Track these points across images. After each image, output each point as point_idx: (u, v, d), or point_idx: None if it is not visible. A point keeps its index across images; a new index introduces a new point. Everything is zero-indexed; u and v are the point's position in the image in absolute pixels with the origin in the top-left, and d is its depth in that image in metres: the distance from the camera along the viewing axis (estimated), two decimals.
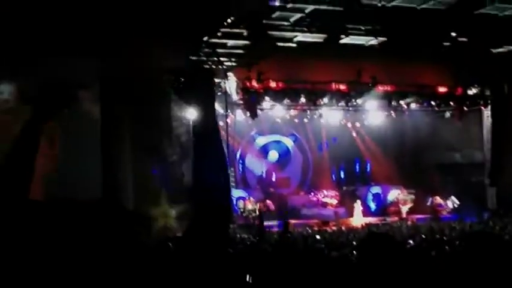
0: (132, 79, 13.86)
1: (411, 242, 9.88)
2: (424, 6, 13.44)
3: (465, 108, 19.11)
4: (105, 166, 14.39)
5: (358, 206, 18.55)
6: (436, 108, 19.64)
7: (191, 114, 17.09)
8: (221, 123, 18.54)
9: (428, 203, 18.59)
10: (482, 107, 19.07)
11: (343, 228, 15.23)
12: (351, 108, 19.78)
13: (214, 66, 16.96)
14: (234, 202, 17.84)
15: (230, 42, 16.06)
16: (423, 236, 11.38)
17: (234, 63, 17.09)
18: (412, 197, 19.06)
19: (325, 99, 18.77)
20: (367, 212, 18.98)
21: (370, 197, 20.15)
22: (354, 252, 9.63)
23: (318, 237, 12.76)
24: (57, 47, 12.69)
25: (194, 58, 16.08)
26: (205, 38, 15.57)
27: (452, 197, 18.25)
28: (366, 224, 16.49)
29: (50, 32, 12.57)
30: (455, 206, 18.19)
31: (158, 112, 15.25)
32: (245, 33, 15.22)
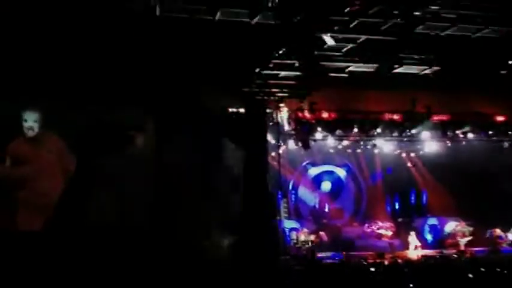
0: (185, 112, 14.07)
1: (470, 275, 9.62)
2: (478, 34, 13.23)
3: None
4: (157, 196, 14.59)
5: (414, 238, 18.20)
6: (494, 138, 19.19)
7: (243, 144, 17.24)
8: (273, 154, 18.60)
9: (488, 235, 18.05)
10: None
11: (399, 260, 14.92)
12: (405, 138, 19.56)
13: (266, 98, 17.09)
14: (287, 233, 17.77)
15: (282, 73, 16.17)
16: (482, 269, 11.03)
17: (286, 94, 17.17)
18: (470, 229, 18.56)
19: (379, 130, 18.66)
20: (423, 244, 18.56)
21: (426, 228, 19.72)
22: (411, 285, 9.46)
23: (372, 269, 12.55)
24: (113, 89, 13.09)
25: (246, 90, 16.25)
26: (257, 70, 15.73)
27: None
28: (423, 256, 16.12)
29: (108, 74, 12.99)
30: None
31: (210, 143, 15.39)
32: (297, 64, 15.30)
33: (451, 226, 19.06)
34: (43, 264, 2.67)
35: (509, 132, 18.65)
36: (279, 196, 18.77)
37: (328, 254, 16.74)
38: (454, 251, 17.41)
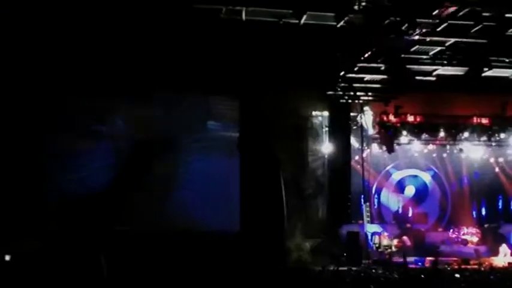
0: (272, 116, 14.40)
1: None
2: None
3: None
4: (243, 199, 14.94)
5: (503, 245, 17.74)
6: None
7: (326, 148, 17.40)
8: (357, 158, 18.61)
9: None
10: None
11: (484, 267, 14.63)
12: (493, 143, 19.11)
13: (350, 101, 17.13)
14: (369, 237, 17.70)
15: (367, 77, 16.18)
16: None
17: (370, 98, 17.17)
18: None
19: (466, 134, 18.33)
20: (511, 251, 18.05)
21: None
22: None
23: (457, 275, 12.38)
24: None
25: (331, 93, 16.37)
26: (342, 73, 15.81)
27: None
28: (510, 263, 15.71)
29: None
30: None
31: (296, 146, 15.65)
32: (383, 67, 15.28)
33: None
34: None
35: None
36: (362, 200, 18.74)
37: (412, 259, 16.56)
38: None
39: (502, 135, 18.47)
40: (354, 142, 18.22)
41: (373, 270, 13.60)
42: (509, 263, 15.70)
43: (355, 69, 15.46)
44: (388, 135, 18.24)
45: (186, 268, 11.26)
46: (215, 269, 10.92)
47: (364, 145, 18.38)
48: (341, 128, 17.38)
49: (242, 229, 14.37)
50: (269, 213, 14.59)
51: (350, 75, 15.84)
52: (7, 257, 11.94)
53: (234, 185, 14.92)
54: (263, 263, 12.22)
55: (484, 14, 12.00)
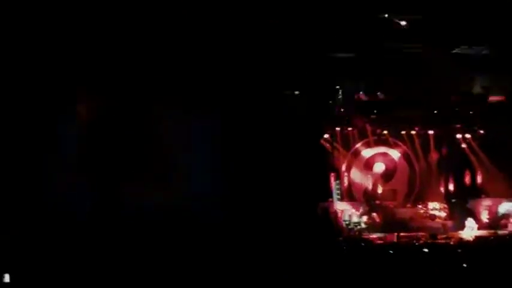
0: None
1: None
2: None
3: None
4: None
5: (469, 219, 18.13)
6: None
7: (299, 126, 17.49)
8: (326, 136, 18.80)
9: None
10: None
11: (452, 241, 14.97)
12: (460, 120, 19.48)
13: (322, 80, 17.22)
14: (339, 215, 17.96)
15: (340, 55, 16.20)
16: None
17: (343, 77, 17.28)
18: None
19: (435, 111, 18.67)
20: (478, 225, 18.47)
21: (480, 209, 19.57)
22: (464, 265, 9.58)
23: (426, 250, 12.65)
24: None
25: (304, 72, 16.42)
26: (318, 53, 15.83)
27: None
28: (476, 237, 16.08)
29: None
30: None
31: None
32: (355, 45, 15.36)
33: (505, 207, 18.88)
34: None
35: None
36: (332, 178, 18.97)
37: (381, 235, 16.86)
38: (507, 231, 17.31)
39: (470, 112, 18.81)
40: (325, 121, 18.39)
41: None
42: (475, 237, 16.06)
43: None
44: (358, 114, 18.45)
45: None
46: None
47: (334, 123, 18.60)
48: (312, 106, 17.49)
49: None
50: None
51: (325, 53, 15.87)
52: None
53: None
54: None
55: None
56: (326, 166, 18.41)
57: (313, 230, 15.32)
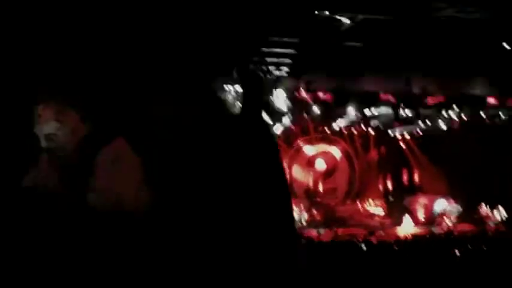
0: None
1: (458, 253, 9.94)
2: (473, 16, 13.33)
3: None
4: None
5: (405, 217, 18.54)
6: (486, 120, 19.50)
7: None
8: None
9: (476, 214, 18.42)
10: None
11: (388, 238, 15.25)
12: (400, 119, 19.83)
13: (263, 75, 17.19)
14: None
15: (279, 51, 16.23)
16: (469, 247, 11.38)
17: (283, 73, 17.28)
18: (460, 208, 18.92)
19: (374, 110, 18.89)
20: (414, 222, 18.89)
21: (417, 207, 20.05)
22: (401, 262, 9.75)
23: (363, 247, 12.84)
24: None
25: (242, 67, 16.32)
26: (255, 47, 15.78)
27: (501, 208, 18.02)
28: (412, 234, 16.43)
29: None
30: (504, 218, 17.96)
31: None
32: (294, 42, 15.37)
33: (440, 205, 19.39)
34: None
35: (500, 113, 18.90)
36: None
37: (321, 231, 17.04)
38: (443, 229, 17.75)
39: (408, 111, 19.12)
40: (266, 118, 18.37)
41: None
42: (411, 234, 16.40)
43: (268, 43, 15.47)
44: (299, 111, 18.53)
45: None
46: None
47: (275, 121, 18.63)
48: (253, 103, 17.43)
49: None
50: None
51: (262, 49, 15.83)
52: None
53: None
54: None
55: None
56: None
57: (252, 228, 15.31)
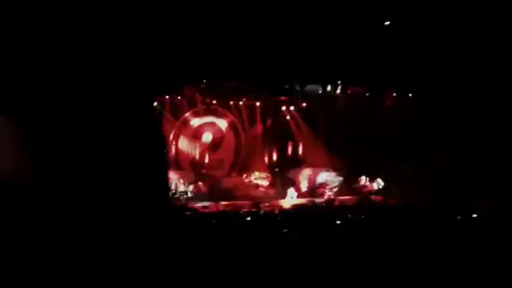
0: None
1: (338, 222, 10.31)
2: None
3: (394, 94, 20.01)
4: None
5: (290, 188, 18.94)
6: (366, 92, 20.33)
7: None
8: (155, 104, 18.55)
9: (355, 185, 19.14)
10: None
11: (273, 209, 15.54)
12: (285, 92, 20.22)
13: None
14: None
15: None
16: (349, 216, 11.86)
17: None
18: (341, 178, 19.59)
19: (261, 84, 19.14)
20: (298, 193, 19.38)
21: (300, 179, 20.58)
22: (284, 231, 9.97)
23: (248, 218, 13.01)
24: None
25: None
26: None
27: (378, 179, 18.83)
28: (296, 205, 16.87)
29: None
30: (380, 187, 18.80)
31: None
32: None
33: (323, 176, 19.99)
34: None
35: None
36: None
37: (206, 203, 17.09)
38: (324, 199, 18.35)
39: (294, 86, 19.57)
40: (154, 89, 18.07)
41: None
42: (295, 205, 16.81)
43: None
44: (188, 82, 18.41)
45: None
46: None
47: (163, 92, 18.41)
48: (139, 74, 17.04)
49: None
50: None
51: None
52: None
53: None
54: None
55: None
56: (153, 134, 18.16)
57: (137, 199, 15.08)
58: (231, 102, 20.61)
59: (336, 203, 17.38)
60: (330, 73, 19.27)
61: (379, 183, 18.78)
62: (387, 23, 15.90)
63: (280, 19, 15.26)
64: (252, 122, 21.15)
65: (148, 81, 15.63)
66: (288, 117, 21.43)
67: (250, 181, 19.65)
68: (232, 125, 20.96)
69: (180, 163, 19.94)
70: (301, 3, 14.55)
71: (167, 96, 19.01)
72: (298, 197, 18.82)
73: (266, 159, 21.17)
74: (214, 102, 20.15)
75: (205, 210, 15.78)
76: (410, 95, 20.04)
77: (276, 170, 20.73)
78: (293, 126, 21.44)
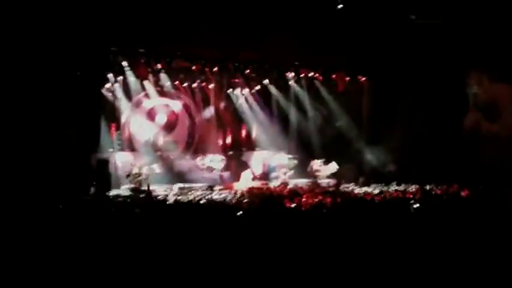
0: None
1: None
2: None
3: (347, 79, 20.27)
4: None
5: (244, 171, 19.01)
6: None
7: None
8: (108, 86, 18.35)
9: (309, 169, 19.32)
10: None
11: (227, 192, 15.61)
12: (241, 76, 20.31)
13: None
14: (120, 166, 17.75)
15: None
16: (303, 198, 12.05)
17: None
18: (295, 161, 19.76)
19: (215, 68, 19.19)
20: (252, 176, 19.48)
21: (254, 162, 20.69)
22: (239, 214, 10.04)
23: (202, 201, 13.06)
24: None
25: None
26: None
27: (333, 162, 19.05)
28: (250, 188, 16.93)
29: None
30: (335, 171, 19.03)
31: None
32: None
33: (276, 159, 20.14)
34: None
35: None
36: (113, 129, 18.64)
37: (162, 187, 17.03)
38: (278, 182, 18.48)
39: (247, 71, 19.72)
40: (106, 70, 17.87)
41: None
42: (250, 188, 16.88)
43: None
44: (141, 64, 18.23)
45: None
46: None
47: (116, 73, 18.18)
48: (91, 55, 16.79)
49: None
50: None
51: None
52: None
53: None
54: None
55: None
56: (106, 117, 17.97)
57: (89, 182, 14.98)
58: (185, 84, 20.52)
59: (288, 186, 17.47)
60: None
61: (333, 167, 19.00)
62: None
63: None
64: (206, 104, 21.12)
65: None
66: (241, 100, 21.47)
67: (204, 164, 19.59)
68: (186, 107, 20.89)
69: (134, 145, 19.79)
70: None
71: (119, 78, 18.76)
72: (252, 179, 18.90)
73: (220, 141, 21.19)
74: (167, 83, 20.00)
75: (160, 192, 15.72)
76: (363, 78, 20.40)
77: (230, 153, 20.79)
78: (247, 109, 21.49)
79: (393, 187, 16.23)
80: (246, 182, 18.24)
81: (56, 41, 13.85)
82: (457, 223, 9.05)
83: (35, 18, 13.40)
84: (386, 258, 7.78)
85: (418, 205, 10.75)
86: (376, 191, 15.23)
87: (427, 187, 15.13)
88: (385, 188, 16.03)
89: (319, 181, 18.62)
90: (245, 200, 12.87)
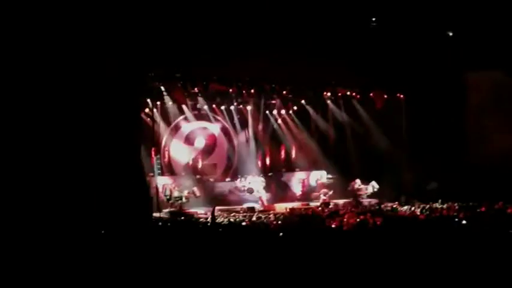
0: None
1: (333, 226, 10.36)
2: None
3: (385, 96, 20.12)
4: None
5: (284, 192, 18.95)
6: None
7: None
8: (147, 110, 18.56)
9: (349, 188, 19.14)
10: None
11: (269, 214, 15.57)
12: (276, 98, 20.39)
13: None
14: (161, 189, 17.86)
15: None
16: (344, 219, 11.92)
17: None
18: (332, 181, 19.65)
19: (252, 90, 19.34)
20: (292, 197, 19.40)
21: (294, 182, 20.60)
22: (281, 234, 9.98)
23: (243, 223, 13.04)
24: None
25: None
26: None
27: (373, 182, 18.87)
28: (290, 209, 16.88)
29: None
30: (375, 190, 18.84)
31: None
32: None
33: (314, 178, 20.05)
34: None
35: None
36: (153, 153, 18.78)
37: (202, 209, 17.07)
38: (318, 202, 18.35)
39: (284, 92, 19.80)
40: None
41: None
42: (290, 209, 16.80)
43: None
44: (178, 88, 18.42)
45: None
46: None
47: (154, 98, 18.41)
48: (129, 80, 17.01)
49: None
50: None
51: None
52: None
53: None
54: None
55: None
56: (146, 141, 18.14)
57: (131, 206, 15.07)
58: (222, 107, 20.62)
59: (330, 206, 17.32)
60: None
61: (374, 186, 18.82)
62: None
63: None
64: (244, 126, 21.15)
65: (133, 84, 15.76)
66: (279, 121, 21.47)
67: (244, 185, 19.59)
68: (224, 130, 20.96)
69: (174, 169, 19.93)
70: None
71: (158, 103, 18.98)
72: (292, 200, 18.82)
73: (259, 163, 21.18)
74: (205, 107, 20.14)
75: (201, 215, 15.74)
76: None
77: (270, 174, 20.72)
78: (285, 130, 21.47)
79: (437, 204, 15.99)
80: (286, 203, 18.17)
81: (96, 68, 14.10)
82: (504, 239, 8.84)
83: (78, 46, 13.70)
84: (434, 277, 7.62)
85: (464, 222, 10.57)
86: (419, 209, 15.01)
87: (470, 204, 14.86)
88: (427, 206, 15.79)
89: (360, 200, 18.45)
90: (286, 221, 12.81)
